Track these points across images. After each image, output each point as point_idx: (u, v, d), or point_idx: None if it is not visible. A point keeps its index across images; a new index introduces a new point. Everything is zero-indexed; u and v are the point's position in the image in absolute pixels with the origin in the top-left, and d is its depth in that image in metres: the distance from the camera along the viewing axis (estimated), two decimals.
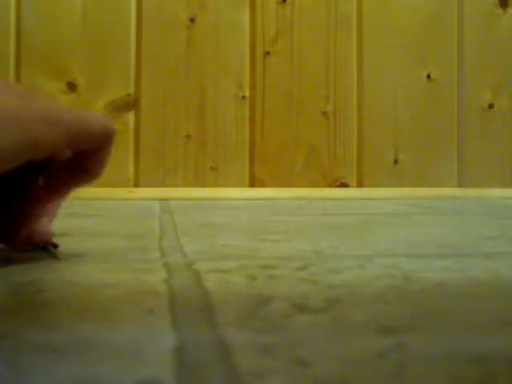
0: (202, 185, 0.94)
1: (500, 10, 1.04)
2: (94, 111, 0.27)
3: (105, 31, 0.92)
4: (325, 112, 0.98)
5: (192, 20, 0.95)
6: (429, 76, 1.02)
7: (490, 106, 1.04)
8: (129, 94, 0.92)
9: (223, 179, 0.95)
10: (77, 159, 0.29)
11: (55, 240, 0.32)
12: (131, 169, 0.92)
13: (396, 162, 1.00)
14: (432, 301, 0.22)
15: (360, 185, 0.99)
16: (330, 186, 0.98)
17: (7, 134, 0.24)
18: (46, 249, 0.32)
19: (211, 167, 0.95)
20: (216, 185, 0.95)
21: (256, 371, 0.14)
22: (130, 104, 0.92)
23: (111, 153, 0.30)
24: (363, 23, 1.00)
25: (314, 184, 0.97)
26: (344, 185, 0.98)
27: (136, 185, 0.92)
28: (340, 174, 0.98)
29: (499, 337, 0.18)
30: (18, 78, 0.89)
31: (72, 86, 0.90)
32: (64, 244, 0.35)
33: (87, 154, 0.29)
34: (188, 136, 0.94)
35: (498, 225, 0.51)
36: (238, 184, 0.95)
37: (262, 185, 0.96)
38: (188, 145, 0.94)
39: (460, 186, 1.02)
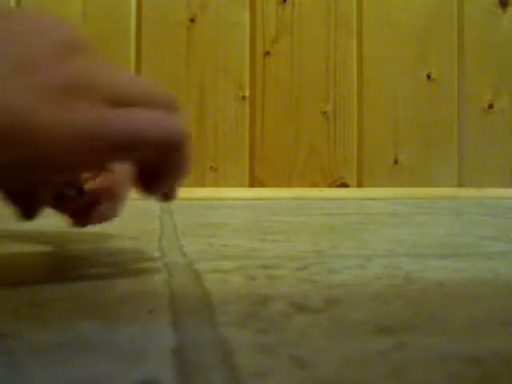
0: (202, 185, 0.94)
1: (500, 10, 1.04)
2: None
3: (105, 31, 0.92)
4: (325, 112, 0.98)
5: (192, 20, 0.95)
6: (429, 76, 1.02)
7: (490, 106, 1.04)
8: None
9: (223, 179, 0.95)
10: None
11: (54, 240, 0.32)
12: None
13: (396, 161, 1.00)
14: (432, 301, 0.22)
15: (360, 185, 0.99)
16: (330, 185, 0.98)
17: None
18: None
19: (211, 167, 0.95)
20: (216, 185, 0.95)
21: (256, 371, 0.14)
22: None
23: (189, 152, 0.22)
24: (363, 23, 1.00)
25: (313, 184, 0.97)
26: (344, 185, 0.98)
27: None
28: (340, 174, 0.98)
29: (499, 337, 0.18)
30: None
31: None
32: (64, 244, 0.35)
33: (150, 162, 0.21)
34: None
35: (498, 225, 0.51)
36: (238, 184, 0.95)
37: (262, 185, 0.96)
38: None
39: (460, 185, 1.02)
